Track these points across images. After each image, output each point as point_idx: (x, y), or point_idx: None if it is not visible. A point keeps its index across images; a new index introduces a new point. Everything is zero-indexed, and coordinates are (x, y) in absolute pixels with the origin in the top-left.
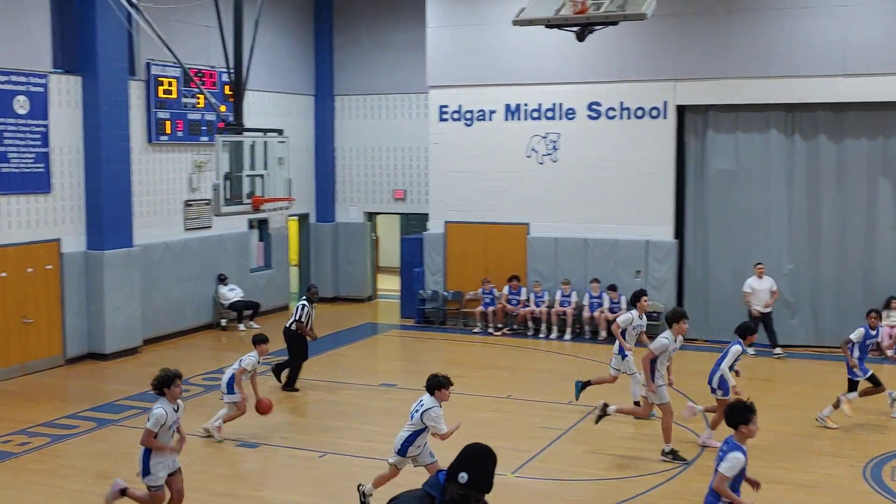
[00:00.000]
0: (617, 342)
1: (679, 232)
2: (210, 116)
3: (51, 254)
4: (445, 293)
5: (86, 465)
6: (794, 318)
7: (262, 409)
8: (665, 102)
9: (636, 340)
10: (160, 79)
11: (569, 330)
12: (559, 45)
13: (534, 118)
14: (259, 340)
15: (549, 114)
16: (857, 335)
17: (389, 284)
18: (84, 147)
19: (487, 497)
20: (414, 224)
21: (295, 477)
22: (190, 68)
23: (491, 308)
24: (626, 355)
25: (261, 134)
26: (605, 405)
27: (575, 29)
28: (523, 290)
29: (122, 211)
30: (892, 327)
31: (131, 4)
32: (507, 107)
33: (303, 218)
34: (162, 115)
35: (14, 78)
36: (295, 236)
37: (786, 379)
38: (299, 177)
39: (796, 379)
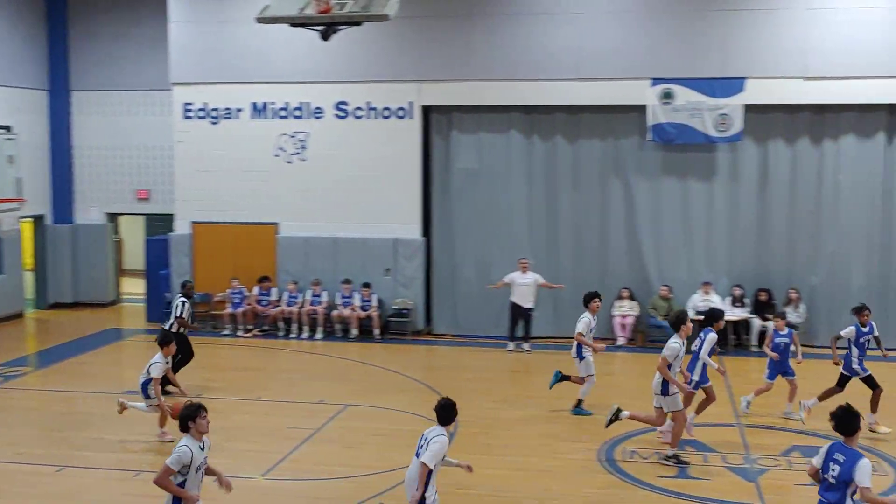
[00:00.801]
0: (574, 346)
1: (427, 230)
2: None
3: None
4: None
5: None
6: (536, 311)
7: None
8: (411, 103)
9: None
10: None
11: (320, 329)
12: (306, 44)
13: (282, 117)
14: (165, 341)
15: (298, 113)
16: (847, 332)
17: (134, 288)
18: None
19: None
20: (160, 225)
21: (31, 495)
22: None
23: (240, 309)
24: (585, 357)
25: None
26: (619, 409)
27: (319, 28)
28: (274, 291)
29: None
30: (623, 317)
31: None
32: (254, 105)
33: (38, 219)
34: None
35: None
36: (29, 239)
37: (535, 370)
38: (32, 176)
39: (544, 370)
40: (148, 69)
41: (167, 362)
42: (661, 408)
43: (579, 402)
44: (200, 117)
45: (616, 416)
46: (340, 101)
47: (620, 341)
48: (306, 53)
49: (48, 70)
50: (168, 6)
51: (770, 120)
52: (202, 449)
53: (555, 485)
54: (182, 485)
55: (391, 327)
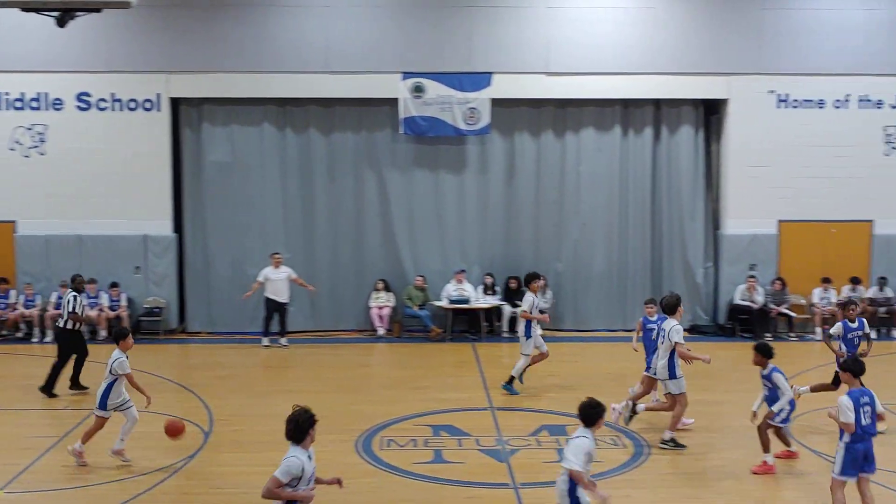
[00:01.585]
0: (522, 326)
1: (178, 226)
2: None
3: None
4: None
5: None
6: (292, 304)
7: (173, 431)
8: (158, 95)
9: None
10: None
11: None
12: (42, 31)
13: (17, 108)
14: (122, 335)
15: (35, 104)
16: (835, 329)
17: None
18: None
19: None
20: None
21: None
22: None
23: None
24: (531, 336)
25: None
26: (633, 405)
27: (55, 14)
28: (12, 293)
29: None
30: (380, 308)
31: None
32: None
33: None
34: None
35: None
36: None
37: (291, 364)
38: None
39: (298, 363)
40: None
41: (126, 356)
42: (671, 393)
43: (512, 378)
44: None
45: (633, 412)
46: (82, 93)
47: (380, 332)
48: (43, 40)
49: None
50: None
51: (516, 114)
52: (310, 459)
53: None
54: None
55: (143, 327)
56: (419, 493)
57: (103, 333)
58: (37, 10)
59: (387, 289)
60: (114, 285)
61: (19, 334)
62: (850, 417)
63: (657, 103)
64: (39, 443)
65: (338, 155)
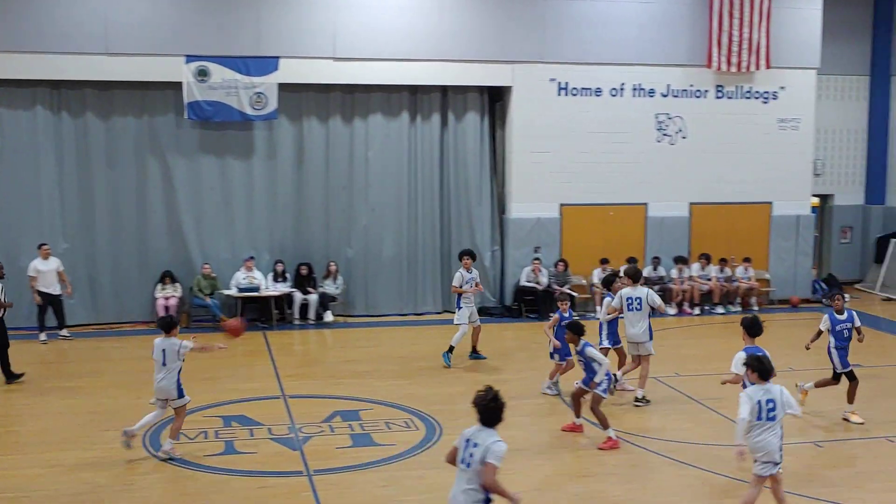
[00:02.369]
0: (456, 298)
1: None
2: None
3: None
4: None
5: None
6: (74, 297)
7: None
8: None
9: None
10: None
11: None
12: None
13: None
14: (171, 325)
15: None
16: (824, 324)
17: None
18: None
19: None
20: None
21: None
22: None
23: None
24: (462, 307)
25: None
26: (641, 397)
27: None
28: None
29: None
30: (167, 298)
31: None
32: None
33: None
34: None
35: None
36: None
37: (72, 359)
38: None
39: (80, 358)
40: None
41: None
42: (639, 353)
43: (451, 348)
44: None
45: (643, 399)
46: None
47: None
48: None
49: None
50: None
51: (304, 99)
52: None
53: (99, 477)
54: None
55: None
56: (210, 486)
57: None
58: None
59: (172, 279)
60: None
61: None
62: (742, 370)
63: (444, 90)
64: None
65: (119, 141)
